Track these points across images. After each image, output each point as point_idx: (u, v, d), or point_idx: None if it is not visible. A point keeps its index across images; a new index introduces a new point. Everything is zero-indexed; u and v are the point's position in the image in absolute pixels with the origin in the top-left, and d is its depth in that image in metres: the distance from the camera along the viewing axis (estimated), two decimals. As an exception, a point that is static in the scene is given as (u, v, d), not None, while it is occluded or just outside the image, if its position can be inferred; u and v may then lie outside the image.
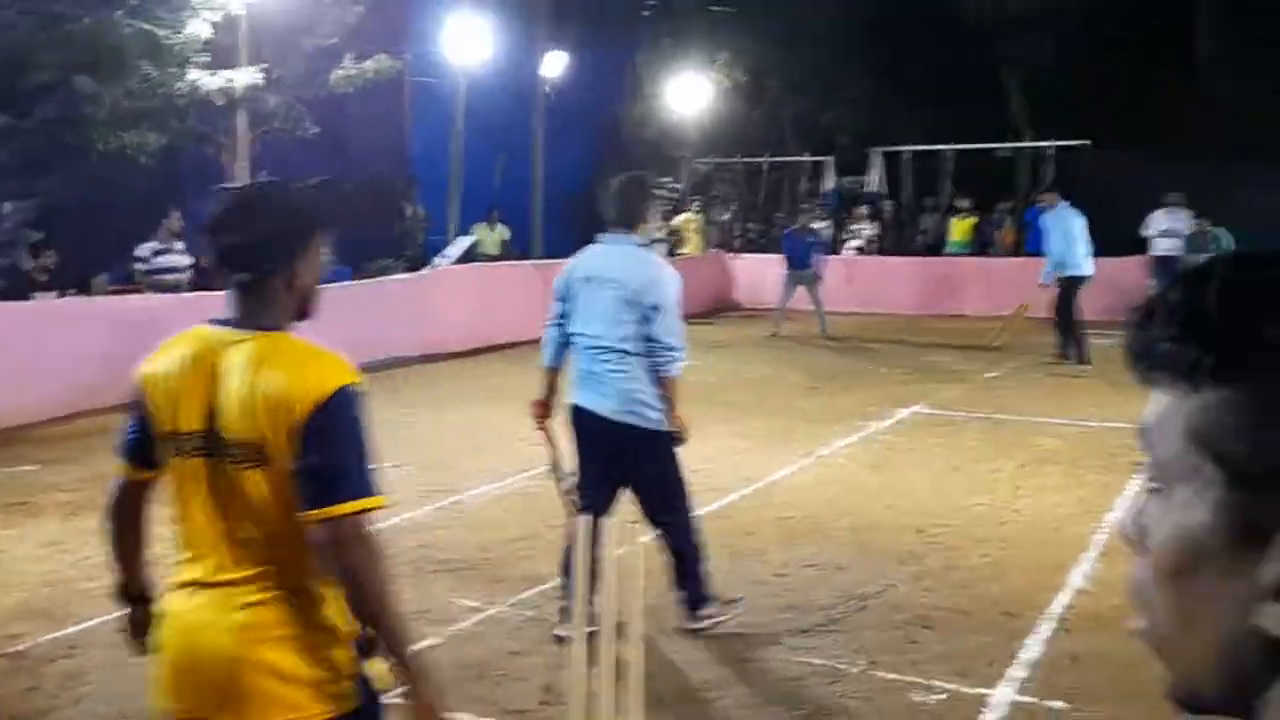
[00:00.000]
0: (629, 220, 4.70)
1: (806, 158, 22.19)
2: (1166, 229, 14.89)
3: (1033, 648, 4.70)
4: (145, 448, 2.27)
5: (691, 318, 16.74)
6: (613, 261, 4.67)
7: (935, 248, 19.31)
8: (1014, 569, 5.67)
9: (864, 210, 19.38)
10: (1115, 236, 14.37)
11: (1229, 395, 0.58)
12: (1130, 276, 15.24)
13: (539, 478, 7.44)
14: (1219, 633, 0.61)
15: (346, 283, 12.45)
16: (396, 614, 2.18)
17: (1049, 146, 19.63)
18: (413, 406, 10.02)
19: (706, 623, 4.79)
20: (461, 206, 16.19)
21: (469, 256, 15.03)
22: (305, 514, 2.09)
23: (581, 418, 4.70)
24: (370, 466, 2.15)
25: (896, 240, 19.49)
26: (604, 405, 4.63)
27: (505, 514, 6.70)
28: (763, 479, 7.36)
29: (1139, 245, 15.47)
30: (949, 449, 8.32)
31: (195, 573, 2.21)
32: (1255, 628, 0.59)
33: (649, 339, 4.53)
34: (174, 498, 2.26)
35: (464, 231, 15.68)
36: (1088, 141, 19.14)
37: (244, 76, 12.98)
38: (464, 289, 13.72)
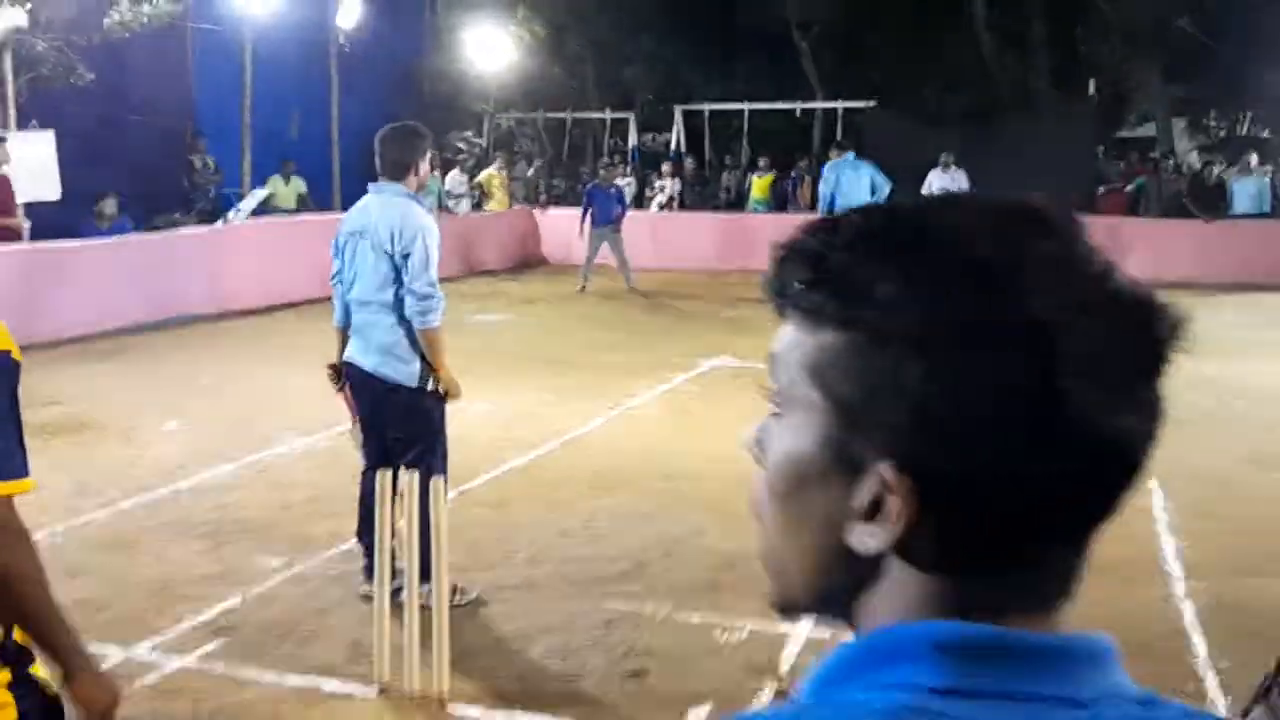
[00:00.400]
0: (395, 172, 4.62)
1: (609, 114, 22.26)
2: (941, 188, 15.62)
3: (829, 585, 4.91)
4: None
5: (498, 273, 16.68)
6: (372, 213, 4.61)
7: (736, 204, 19.73)
8: (811, 512, 5.90)
9: (667, 167, 19.60)
10: (903, 191, 15.03)
11: (844, 339, 0.64)
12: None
13: (342, 435, 7.29)
14: (815, 546, 0.68)
15: (134, 236, 11.80)
16: (56, 607, 1.90)
17: (838, 107, 20.30)
18: (207, 365, 9.64)
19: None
20: (255, 159, 15.54)
21: (264, 210, 14.48)
22: None
23: (351, 372, 4.68)
24: (18, 445, 1.84)
25: (698, 197, 19.82)
26: (365, 359, 4.59)
27: (307, 473, 6.54)
28: (571, 432, 7.42)
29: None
30: (752, 399, 8.53)
31: None
32: (846, 545, 0.66)
33: (403, 289, 4.48)
34: None
35: (258, 184, 15.08)
36: (872, 102, 19.91)
37: (6, 18, 12.08)
38: (259, 243, 13.22)
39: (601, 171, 16.08)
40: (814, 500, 0.67)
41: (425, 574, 4.07)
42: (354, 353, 4.64)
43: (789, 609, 0.73)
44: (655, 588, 4.87)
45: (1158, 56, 19.42)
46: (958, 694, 0.61)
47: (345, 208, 18.01)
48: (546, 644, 4.34)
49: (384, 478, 3.89)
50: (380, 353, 4.55)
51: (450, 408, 4.69)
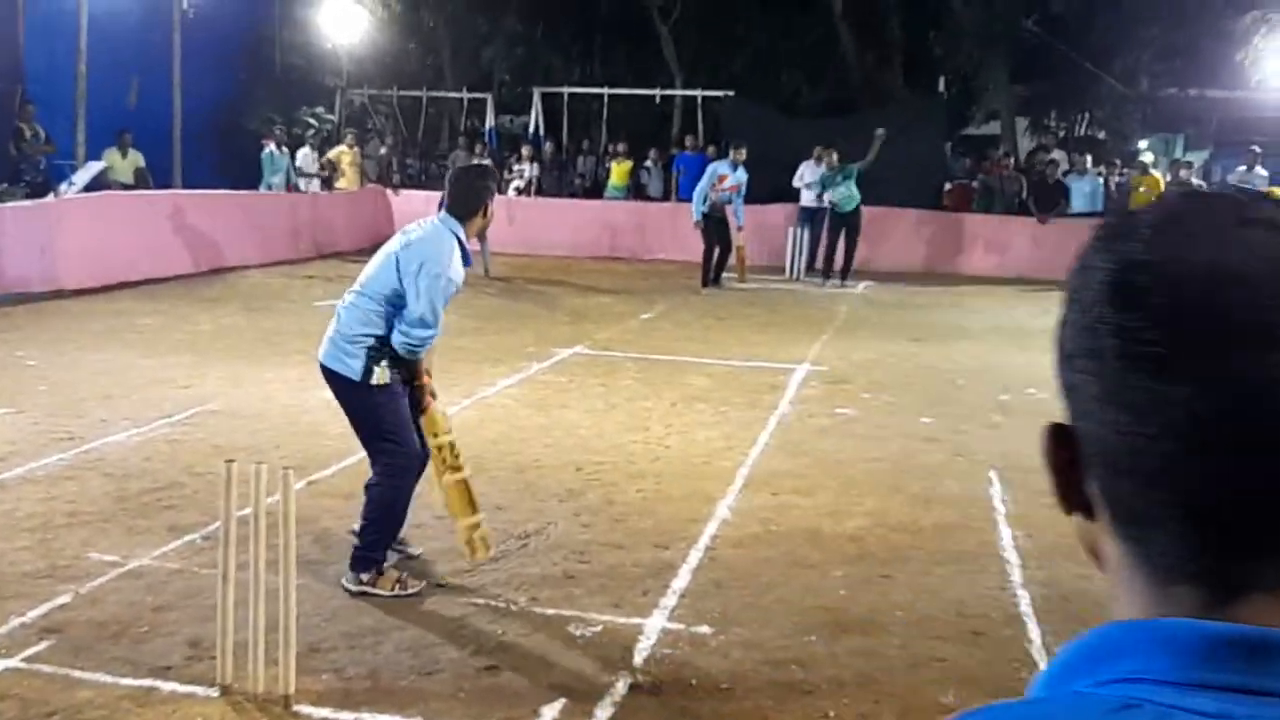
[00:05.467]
0: (457, 210, 4.81)
1: (465, 94, 21.95)
2: (810, 181, 15.90)
3: (682, 576, 4.94)
4: None
5: (349, 255, 16.29)
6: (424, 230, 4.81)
7: (593, 190, 19.71)
8: (665, 502, 5.94)
9: (525, 150, 19.44)
10: (759, 182, 15.25)
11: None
12: (773, 222, 16.24)
13: (180, 424, 7.01)
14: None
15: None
16: None
17: (697, 95, 20.46)
18: (35, 347, 9.14)
19: (355, 587, 4.59)
20: (90, 130, 14.77)
21: (98, 184, 13.80)
22: None
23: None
24: None
25: (556, 182, 19.73)
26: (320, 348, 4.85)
27: (144, 462, 6.26)
28: (423, 420, 7.27)
29: (783, 193, 16.43)
30: (607, 388, 8.56)
31: None
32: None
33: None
34: None
35: (93, 157, 14.36)
36: (731, 92, 20.14)
37: None
38: (93, 219, 12.60)
39: (460, 157, 15.81)
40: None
41: (356, 563, 4.52)
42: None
43: None
44: (509, 581, 4.82)
45: (1005, 56, 20.13)
46: (1188, 686, 0.61)
47: (187, 184, 17.34)
48: (397, 639, 4.24)
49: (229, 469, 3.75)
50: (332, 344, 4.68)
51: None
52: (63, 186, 13.07)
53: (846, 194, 15.20)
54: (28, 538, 5.06)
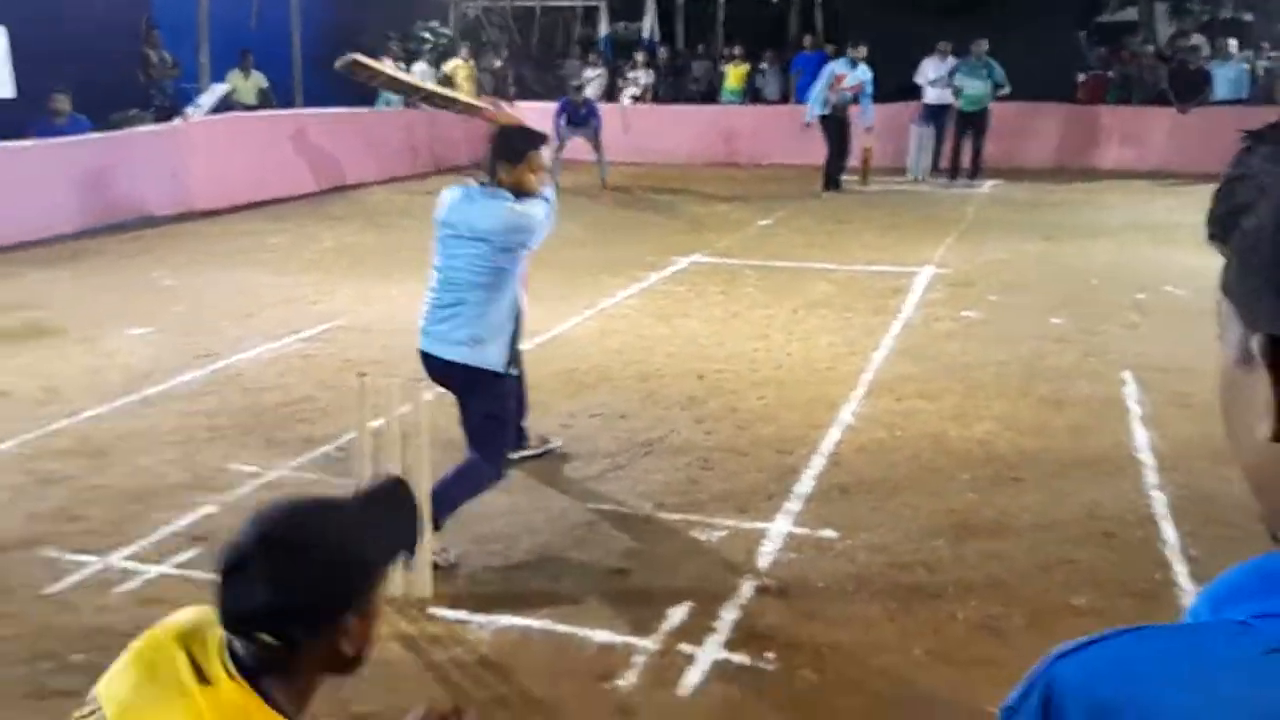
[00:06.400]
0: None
1: (580, 1, 21.71)
2: (935, 78, 15.37)
3: (806, 482, 4.93)
4: None
5: (467, 169, 16.40)
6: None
7: (708, 95, 19.39)
8: (788, 409, 5.90)
9: (640, 57, 19.19)
10: (882, 81, 14.79)
11: (1231, 257, 0.71)
12: (897, 121, 15.76)
13: (312, 340, 7.21)
14: (1256, 455, 0.69)
15: (89, 135, 11.47)
16: None
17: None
18: (169, 269, 9.47)
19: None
20: (213, 52, 15.06)
21: (224, 106, 14.10)
22: None
23: None
24: None
25: (672, 88, 19.46)
26: None
27: (279, 377, 6.46)
28: (547, 333, 7.35)
29: (907, 92, 15.93)
30: (727, 296, 8.50)
31: None
32: (1266, 444, 0.67)
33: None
34: None
35: (217, 79, 14.66)
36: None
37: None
38: (221, 141, 12.91)
39: (572, 91, 15.66)
40: (1241, 406, 0.70)
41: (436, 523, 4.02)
42: None
43: (1273, 534, 0.72)
44: (634, 488, 4.87)
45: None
46: None
47: (308, 103, 17.50)
48: (528, 545, 4.34)
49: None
50: None
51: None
52: (189, 109, 13.38)
53: (978, 93, 14.69)
54: (172, 451, 5.29)
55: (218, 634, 1.59)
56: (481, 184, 4.30)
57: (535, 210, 4.20)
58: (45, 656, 3.55)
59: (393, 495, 1.73)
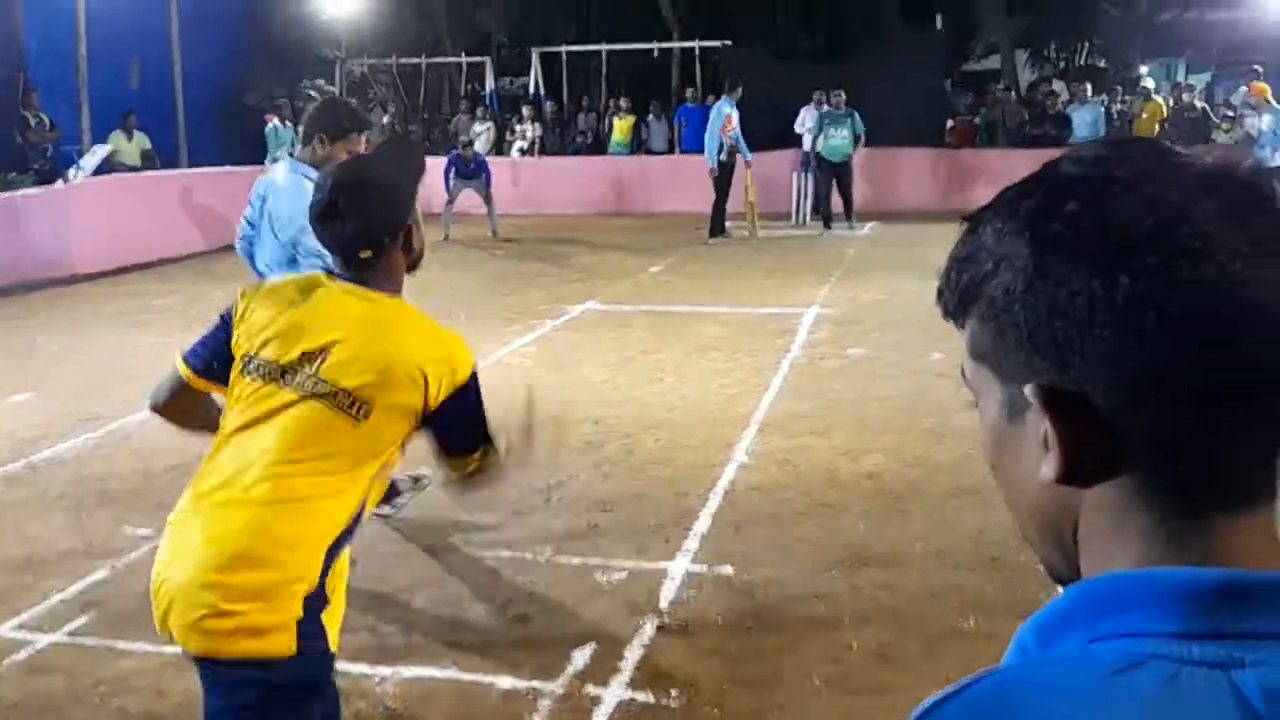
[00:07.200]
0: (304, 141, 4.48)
1: (464, 59, 21.86)
2: (810, 126, 15.83)
3: (703, 520, 5.04)
4: (214, 363, 2.37)
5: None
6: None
7: (595, 147, 19.67)
8: (683, 450, 6.02)
9: (527, 111, 19.39)
10: (760, 130, 15.21)
11: (977, 327, 0.74)
12: (776, 169, 16.17)
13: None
14: (1031, 503, 0.73)
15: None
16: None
17: (695, 46, 20.34)
18: (54, 331, 9.25)
19: (388, 510, 4.85)
20: (93, 113, 14.82)
21: (107, 167, 13.86)
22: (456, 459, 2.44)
23: None
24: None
25: (559, 141, 19.69)
26: None
27: (170, 439, 6.33)
28: (441, 383, 7.36)
29: (786, 139, 16.38)
30: (620, 342, 8.63)
31: (211, 488, 2.25)
32: (1045, 488, 0.70)
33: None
34: (232, 412, 2.31)
35: (99, 140, 14.41)
36: (728, 41, 20.02)
37: None
38: (104, 202, 12.68)
39: (461, 146, 15.75)
40: (1013, 458, 0.72)
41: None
42: None
43: (1054, 576, 0.75)
44: (534, 533, 4.92)
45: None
46: (1198, 637, 0.61)
47: (193, 163, 17.33)
48: (429, 595, 4.35)
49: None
50: None
51: None
52: (71, 171, 13.13)
53: (837, 143, 15.12)
54: (62, 517, 5.18)
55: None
56: None
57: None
58: (-67, 732, 3.45)
59: (403, 141, 2.31)
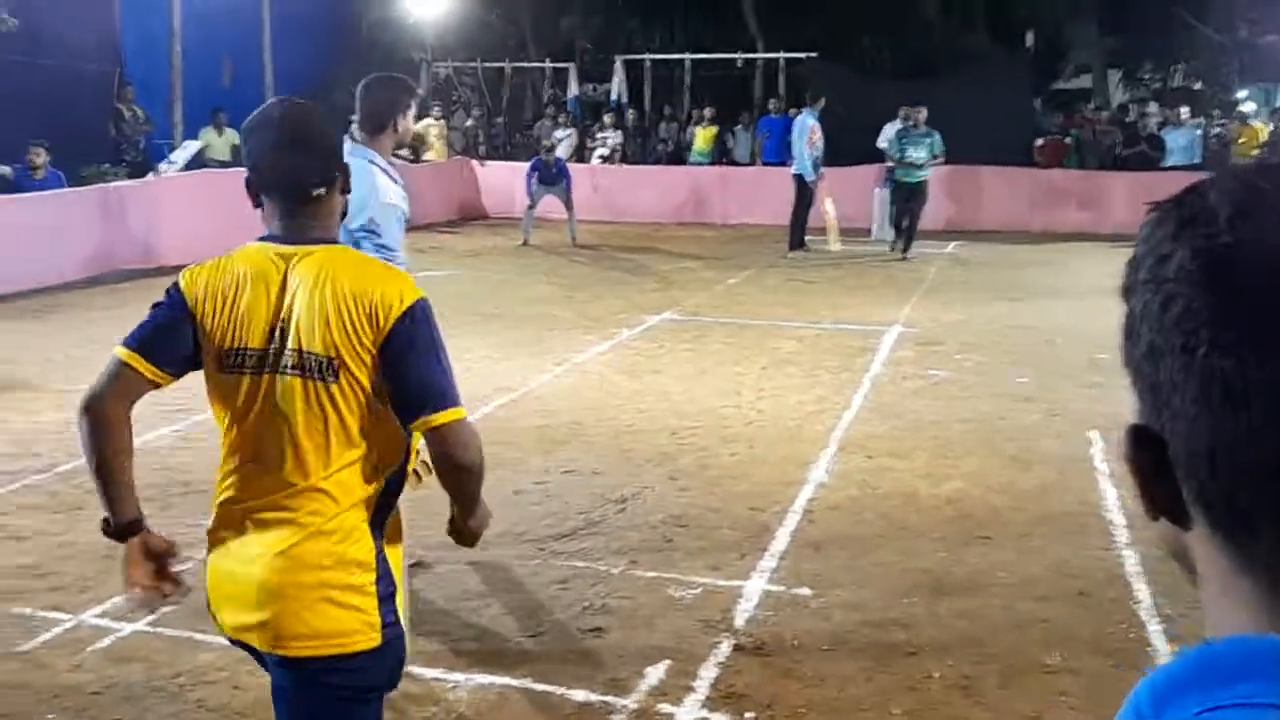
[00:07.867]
0: (367, 126, 4.24)
1: (548, 64, 21.99)
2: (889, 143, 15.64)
3: (780, 539, 4.97)
4: (171, 351, 2.28)
5: (438, 226, 16.50)
6: None
7: (676, 156, 19.65)
8: (760, 466, 5.96)
9: (609, 119, 19.44)
10: (843, 145, 15.07)
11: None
12: (859, 185, 16.02)
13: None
14: (1156, 530, 0.70)
15: (65, 190, 11.47)
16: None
17: (779, 58, 20.24)
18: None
19: None
20: (186, 109, 15.15)
21: (197, 162, 14.15)
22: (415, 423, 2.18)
23: None
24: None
25: (640, 148, 19.71)
26: None
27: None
28: (519, 389, 7.39)
29: (868, 154, 16.22)
30: (697, 353, 8.59)
31: (243, 491, 2.25)
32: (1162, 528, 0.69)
33: None
34: (225, 414, 2.28)
35: (190, 136, 14.71)
36: (813, 54, 19.91)
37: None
38: (193, 197, 12.91)
39: (543, 151, 15.80)
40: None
41: None
42: None
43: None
44: (608, 545, 4.89)
45: (1093, 9, 19.62)
46: None
47: (281, 160, 17.46)
48: (503, 603, 4.34)
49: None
50: None
51: None
52: (163, 165, 13.42)
53: (912, 165, 14.65)
54: (147, 507, 5.22)
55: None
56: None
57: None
58: (16, 715, 3.51)
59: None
